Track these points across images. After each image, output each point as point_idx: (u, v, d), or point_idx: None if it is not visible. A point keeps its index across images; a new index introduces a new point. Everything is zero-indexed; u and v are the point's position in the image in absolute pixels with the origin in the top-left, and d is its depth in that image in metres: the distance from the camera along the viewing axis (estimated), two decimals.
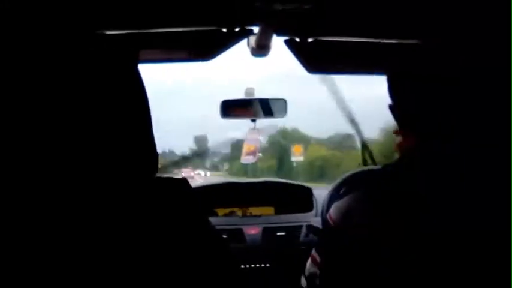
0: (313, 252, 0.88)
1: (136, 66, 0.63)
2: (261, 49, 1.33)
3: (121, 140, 0.58)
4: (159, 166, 0.65)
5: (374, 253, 0.76)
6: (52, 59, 0.55)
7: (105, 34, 0.64)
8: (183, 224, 0.59)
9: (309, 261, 0.88)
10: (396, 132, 0.88)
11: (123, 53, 0.61)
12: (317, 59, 1.37)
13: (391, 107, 0.88)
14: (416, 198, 0.76)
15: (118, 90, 0.58)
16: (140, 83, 0.62)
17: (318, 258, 0.86)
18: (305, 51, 1.32)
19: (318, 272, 0.85)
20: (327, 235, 0.87)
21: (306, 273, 0.88)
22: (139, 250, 0.55)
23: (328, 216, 0.85)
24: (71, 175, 0.54)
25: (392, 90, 0.88)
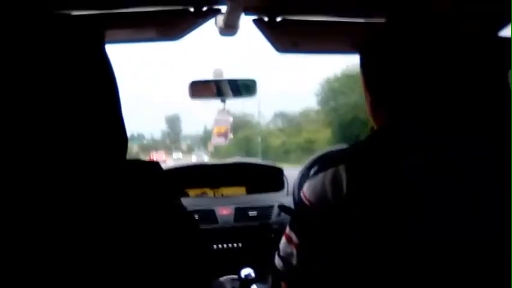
0: (288, 231, 0.88)
1: (103, 47, 0.61)
2: (229, 28, 1.32)
3: (88, 122, 0.57)
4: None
5: (349, 226, 0.77)
6: (16, 41, 0.53)
7: (70, 14, 0.61)
8: (154, 205, 0.59)
9: (283, 241, 0.88)
10: (369, 110, 0.89)
11: (90, 33, 0.59)
12: (286, 39, 1.37)
13: (363, 84, 0.89)
14: (388, 172, 0.77)
15: (85, 72, 0.57)
16: (108, 64, 0.61)
17: (294, 238, 0.86)
18: (274, 30, 1.31)
19: (294, 251, 0.85)
20: (301, 214, 0.87)
21: (281, 253, 0.88)
22: (110, 232, 0.54)
23: (302, 195, 0.85)
24: (38, 157, 0.53)
25: (365, 67, 0.89)
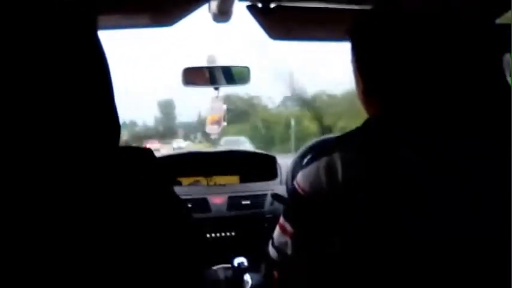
0: (282, 221, 0.87)
1: (96, 33, 0.60)
2: (222, 15, 1.31)
3: (81, 109, 0.56)
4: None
5: (344, 216, 0.77)
6: (6, 26, 0.52)
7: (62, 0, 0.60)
8: (147, 193, 0.59)
9: (277, 231, 0.88)
10: (361, 98, 0.88)
11: (82, 19, 0.58)
12: (280, 25, 1.35)
13: (355, 71, 0.88)
14: (383, 163, 0.76)
15: (77, 58, 0.56)
16: (100, 50, 0.60)
17: (288, 227, 0.85)
18: (267, 17, 1.29)
19: (288, 241, 0.85)
20: (296, 202, 0.86)
21: (275, 243, 0.88)
22: (102, 220, 0.54)
23: (295, 184, 0.85)
24: (29, 144, 0.52)
25: (356, 53, 0.88)
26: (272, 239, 0.89)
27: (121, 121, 0.64)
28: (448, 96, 0.79)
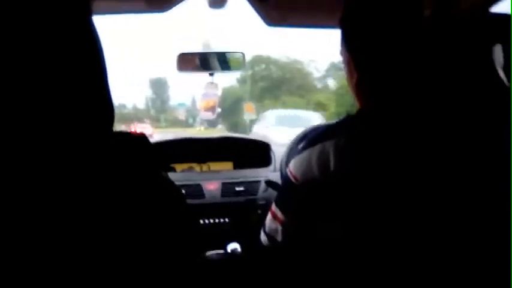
0: (273, 207, 0.88)
1: (91, 18, 0.60)
2: (218, 1, 1.29)
3: (75, 93, 0.56)
4: None
5: (335, 204, 0.77)
6: (1, 13, 0.52)
7: None
8: (141, 178, 0.59)
9: (269, 217, 0.88)
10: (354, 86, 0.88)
11: (77, 4, 0.58)
12: (276, 12, 1.34)
13: (346, 60, 0.87)
14: (377, 152, 0.76)
15: (72, 43, 0.56)
16: (95, 36, 0.60)
17: (279, 214, 0.85)
18: (263, 3, 1.28)
19: (279, 227, 0.85)
20: (288, 190, 0.86)
21: (266, 229, 0.88)
22: (94, 206, 0.54)
23: (288, 171, 0.85)
24: (24, 127, 0.53)
25: (347, 41, 0.87)
26: (264, 225, 0.89)
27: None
28: (441, 84, 0.79)
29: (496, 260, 0.70)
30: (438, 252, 0.73)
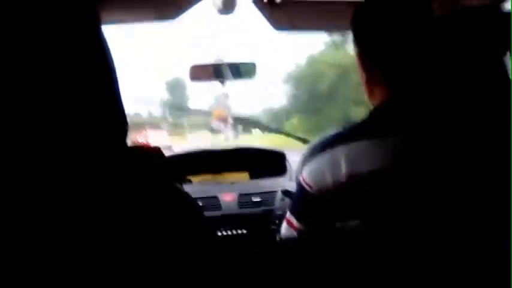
0: (288, 215, 0.88)
1: (100, 28, 0.59)
2: (227, 7, 1.30)
3: (86, 106, 0.55)
4: None
5: (349, 210, 0.77)
6: (11, 23, 0.51)
7: None
8: (156, 193, 0.58)
9: (284, 225, 0.88)
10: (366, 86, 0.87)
11: (86, 15, 0.57)
12: (285, 18, 1.34)
13: (358, 61, 0.87)
14: (388, 155, 0.75)
15: (81, 55, 0.55)
16: (105, 46, 0.59)
17: (294, 222, 0.86)
18: (272, 9, 1.28)
19: (295, 234, 0.85)
20: (302, 197, 0.86)
21: (282, 237, 0.88)
22: (106, 219, 0.53)
23: (301, 179, 0.85)
24: (37, 143, 0.52)
25: (358, 41, 0.86)
26: (280, 233, 0.89)
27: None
28: (452, 83, 0.78)
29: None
30: (463, 249, 0.72)
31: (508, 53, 0.80)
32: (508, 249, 0.68)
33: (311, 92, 17.05)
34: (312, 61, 18.13)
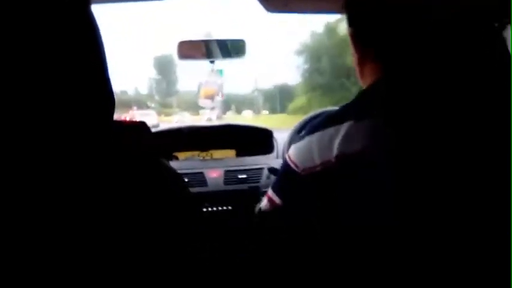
0: (270, 193, 0.88)
1: (89, 8, 0.59)
2: None
3: (75, 85, 0.55)
4: None
5: (336, 191, 0.76)
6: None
7: None
8: (142, 167, 0.59)
9: (264, 202, 0.89)
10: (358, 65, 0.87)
11: None
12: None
13: (351, 42, 0.87)
14: (379, 136, 0.74)
15: (70, 33, 0.55)
16: (94, 26, 0.59)
17: (275, 199, 0.85)
18: None
19: (273, 210, 0.86)
20: (286, 176, 0.86)
21: (258, 210, 0.89)
22: (96, 195, 0.54)
23: (287, 157, 0.84)
24: (25, 122, 0.52)
25: (352, 21, 0.86)
26: (259, 209, 0.90)
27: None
28: (446, 59, 0.77)
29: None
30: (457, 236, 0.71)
31: (508, 26, 0.78)
32: (504, 234, 0.67)
33: (332, 66, 15.36)
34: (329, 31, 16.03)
